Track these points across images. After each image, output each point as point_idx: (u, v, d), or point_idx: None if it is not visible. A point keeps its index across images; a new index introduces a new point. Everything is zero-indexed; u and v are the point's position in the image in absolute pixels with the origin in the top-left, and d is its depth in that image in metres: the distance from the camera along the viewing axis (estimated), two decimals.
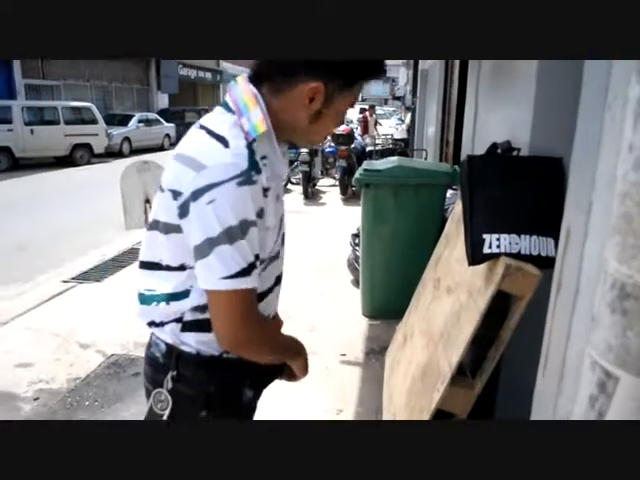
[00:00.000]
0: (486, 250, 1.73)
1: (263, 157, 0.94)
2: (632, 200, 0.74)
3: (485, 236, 1.74)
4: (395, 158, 3.94)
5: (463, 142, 3.79)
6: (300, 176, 7.94)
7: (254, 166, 0.90)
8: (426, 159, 6.24)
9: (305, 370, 1.21)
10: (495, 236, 1.73)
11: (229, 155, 0.89)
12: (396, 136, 9.78)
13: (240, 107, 0.92)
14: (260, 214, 0.93)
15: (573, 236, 0.93)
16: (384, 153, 7.31)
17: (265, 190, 0.93)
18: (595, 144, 0.86)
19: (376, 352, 3.08)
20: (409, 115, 11.58)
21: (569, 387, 0.90)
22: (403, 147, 8.38)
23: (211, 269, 0.90)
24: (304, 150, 7.53)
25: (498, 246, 1.72)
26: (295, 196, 8.09)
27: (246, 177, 0.88)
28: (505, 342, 1.72)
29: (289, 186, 8.80)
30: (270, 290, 1.08)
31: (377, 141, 9.82)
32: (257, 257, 0.93)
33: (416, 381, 2.12)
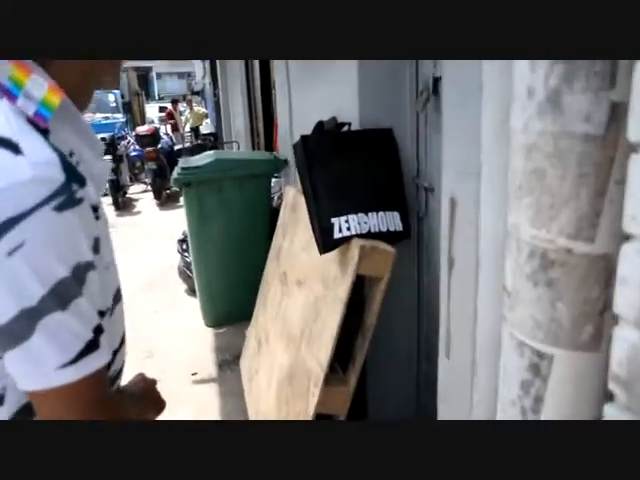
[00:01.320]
0: (337, 235, 1.60)
1: (71, 154, 0.63)
2: (541, 152, 0.63)
3: (333, 220, 1.61)
4: (212, 152, 3.68)
5: (280, 129, 3.68)
6: (107, 186, 7.19)
7: (74, 175, 0.58)
8: (238, 150, 6.06)
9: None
10: (343, 219, 1.61)
11: (27, 165, 0.55)
12: (204, 131, 9.35)
13: (5, 85, 0.58)
14: (96, 247, 0.62)
15: (461, 206, 0.82)
16: (194, 150, 6.91)
17: (95, 209, 0.62)
18: (473, 96, 0.74)
19: (230, 362, 2.84)
20: (202, 108, 11.22)
21: (486, 377, 0.79)
22: (213, 141, 8.05)
23: (38, 358, 0.58)
24: (107, 157, 6.80)
25: (348, 228, 1.60)
26: (104, 208, 7.27)
27: (66, 196, 0.56)
28: (372, 328, 1.63)
29: None
30: (117, 351, 0.73)
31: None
32: (101, 314, 0.63)
33: (283, 386, 1.95)
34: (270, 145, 5.10)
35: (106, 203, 7.41)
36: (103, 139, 7.08)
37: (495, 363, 0.81)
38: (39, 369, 0.59)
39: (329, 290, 1.70)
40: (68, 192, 0.57)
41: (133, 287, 3.99)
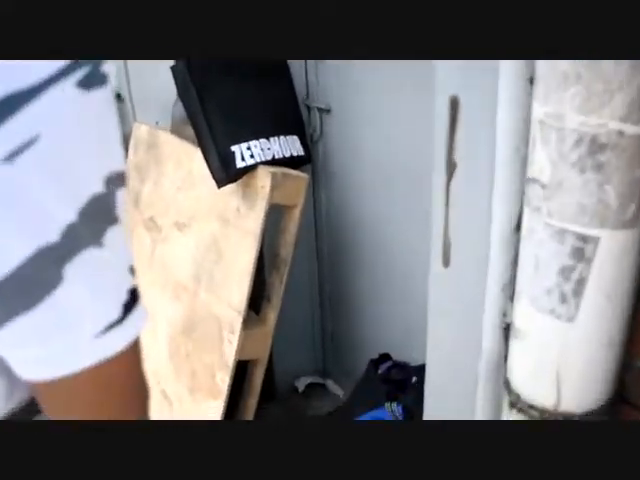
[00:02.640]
0: (240, 164, 1.49)
1: None
2: None
3: (234, 148, 1.49)
4: None
5: None
6: None
7: None
8: None
9: None
10: (245, 146, 1.50)
11: None
12: None
13: None
14: None
15: (466, 106, 0.81)
16: None
17: None
18: None
19: None
20: None
21: (500, 274, 0.84)
22: None
23: (69, 321, 0.41)
24: None
25: (252, 156, 1.50)
26: None
27: (91, 68, 0.38)
28: (288, 261, 1.59)
29: None
30: None
31: None
32: None
33: (180, 342, 1.81)
34: None
35: None
36: None
37: (510, 261, 0.87)
38: (72, 337, 0.40)
39: (231, 226, 1.60)
40: (92, 63, 0.38)
41: None
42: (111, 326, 0.43)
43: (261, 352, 1.62)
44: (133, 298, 0.46)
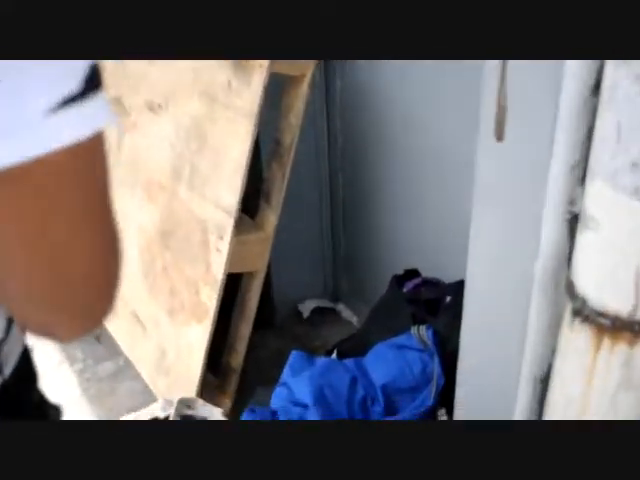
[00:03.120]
0: None
1: None
2: None
3: None
4: None
5: None
6: None
7: None
8: None
9: None
10: None
11: None
12: None
13: None
14: None
15: None
16: None
17: None
18: None
19: None
20: None
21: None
22: None
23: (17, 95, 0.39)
24: None
25: None
26: None
27: None
28: (291, 150, 1.57)
29: None
30: None
31: None
32: None
33: (155, 253, 1.83)
34: None
35: None
36: None
37: (584, 132, 0.84)
38: (19, 112, 0.39)
39: (220, 105, 1.57)
40: None
41: None
42: (68, 101, 0.41)
43: (257, 264, 1.64)
44: (96, 76, 0.45)
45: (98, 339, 2.14)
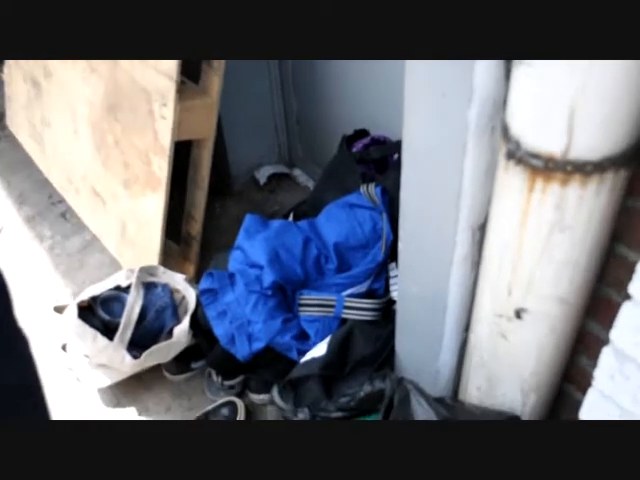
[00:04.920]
0: None
1: None
2: None
3: None
4: None
5: None
6: None
7: None
8: None
9: None
10: None
11: None
12: None
13: None
14: None
15: None
16: None
17: None
18: None
19: None
20: None
21: None
22: None
23: None
24: None
25: None
26: None
27: None
28: None
29: None
30: None
31: None
32: None
33: (104, 127, 1.70)
34: None
35: None
36: None
37: None
38: None
39: None
40: None
41: None
42: None
43: (205, 130, 1.52)
44: None
45: (64, 216, 2.05)
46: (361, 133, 1.61)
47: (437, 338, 1.17)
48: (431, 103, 0.89)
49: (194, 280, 1.65)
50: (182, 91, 1.43)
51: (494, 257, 0.93)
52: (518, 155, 0.77)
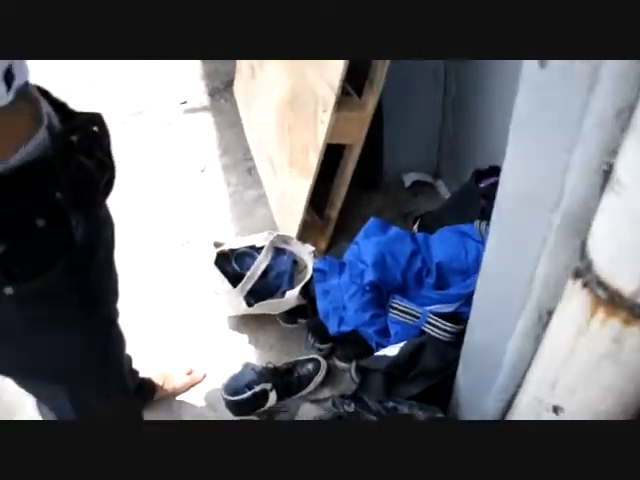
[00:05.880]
0: None
1: None
2: None
3: None
4: None
5: None
6: None
7: None
8: None
9: None
10: None
11: None
12: None
13: None
14: None
15: None
16: None
17: None
18: None
19: (221, 90, 2.48)
20: None
21: None
22: None
23: None
24: None
25: None
26: None
27: None
28: None
29: None
30: None
31: None
32: None
33: (285, 112, 1.66)
34: None
35: None
36: None
37: None
38: None
39: None
40: None
41: None
42: None
43: (354, 137, 1.41)
44: None
45: (249, 171, 2.09)
46: (493, 170, 1.39)
47: (489, 384, 1.00)
48: (523, 188, 0.71)
49: (322, 253, 1.60)
50: (343, 102, 1.33)
51: (549, 348, 0.74)
52: (586, 278, 0.58)
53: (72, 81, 2.57)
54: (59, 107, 0.66)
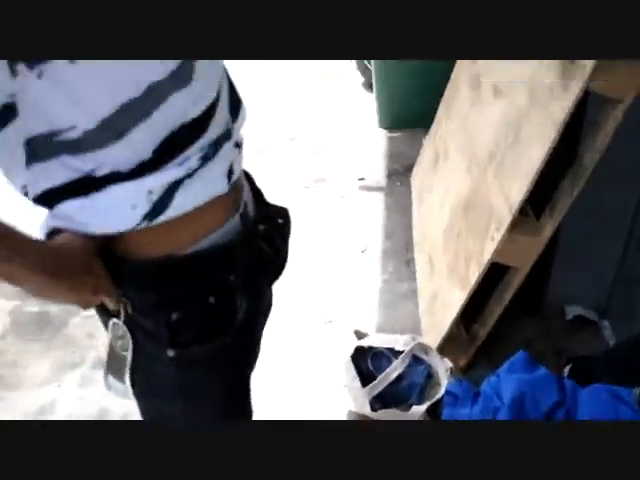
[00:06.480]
0: None
1: None
2: None
3: None
4: None
5: None
6: None
7: None
8: None
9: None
10: None
11: None
12: None
13: None
14: None
15: None
16: None
17: None
18: None
19: (399, 173, 2.61)
20: None
21: None
22: None
23: None
24: None
25: None
26: None
27: None
28: (588, 169, 1.21)
29: None
30: None
31: None
32: None
33: (457, 216, 1.68)
34: None
35: None
36: None
37: None
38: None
39: (537, 106, 1.28)
40: None
41: (309, 71, 3.78)
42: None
43: (522, 262, 1.38)
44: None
45: (408, 263, 2.12)
46: None
47: None
48: None
49: (460, 371, 1.55)
50: (518, 222, 1.32)
51: None
52: None
53: (270, 138, 2.92)
54: (256, 193, 0.77)
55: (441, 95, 2.22)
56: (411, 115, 2.86)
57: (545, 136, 1.21)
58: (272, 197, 0.84)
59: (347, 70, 3.66)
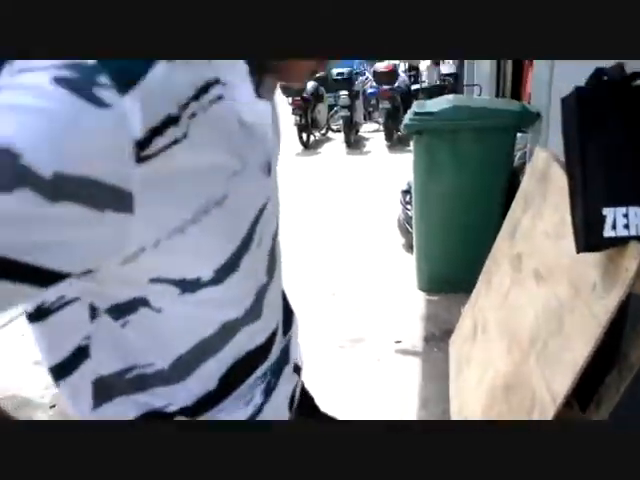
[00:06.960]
0: (608, 233, 1.17)
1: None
2: None
3: (606, 211, 1.17)
4: (450, 97, 3.30)
5: (534, 73, 3.10)
6: (341, 122, 7.28)
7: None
8: (480, 96, 5.46)
9: None
10: (621, 211, 1.17)
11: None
12: (444, 70, 8.68)
13: None
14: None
15: None
16: (432, 91, 6.50)
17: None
18: None
19: (437, 338, 2.59)
20: None
21: None
22: (452, 83, 7.47)
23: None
24: (343, 93, 6.85)
25: (626, 226, 1.16)
26: (337, 145, 7.50)
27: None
28: (635, 365, 1.19)
29: (329, 134, 8.18)
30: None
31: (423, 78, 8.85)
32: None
33: (497, 397, 1.63)
34: (517, 92, 4.45)
35: (339, 140, 7.59)
36: (341, 74, 7.15)
37: None
38: None
39: (581, 301, 1.30)
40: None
41: (352, 230, 3.97)
42: None
43: None
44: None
45: None
46: None
47: None
48: None
49: None
50: (561, 414, 1.26)
51: None
52: None
53: (312, 294, 2.99)
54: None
55: (481, 263, 2.26)
56: (450, 279, 2.91)
57: (589, 333, 1.20)
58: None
59: (388, 231, 3.84)
